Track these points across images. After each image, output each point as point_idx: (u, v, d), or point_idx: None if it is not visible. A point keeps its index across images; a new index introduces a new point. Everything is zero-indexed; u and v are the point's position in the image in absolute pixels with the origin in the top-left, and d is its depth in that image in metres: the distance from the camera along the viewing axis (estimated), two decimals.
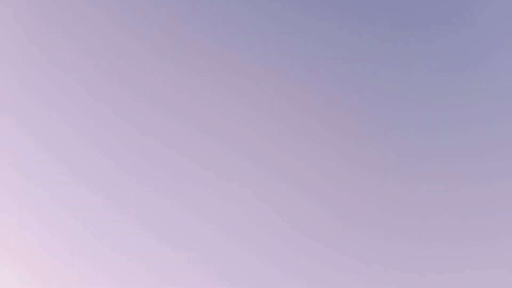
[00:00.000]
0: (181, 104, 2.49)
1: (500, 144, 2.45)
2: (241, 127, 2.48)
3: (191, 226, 2.42)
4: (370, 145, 2.47)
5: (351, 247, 2.41)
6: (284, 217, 2.43)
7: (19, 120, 2.46)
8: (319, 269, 2.40)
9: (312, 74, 2.50)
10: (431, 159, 2.46)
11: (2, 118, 2.45)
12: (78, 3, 2.51)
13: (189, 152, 2.47)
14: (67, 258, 2.40)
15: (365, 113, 2.48)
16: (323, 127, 2.48)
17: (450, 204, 2.43)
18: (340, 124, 2.48)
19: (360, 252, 2.41)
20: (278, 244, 2.42)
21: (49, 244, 2.40)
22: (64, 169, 2.44)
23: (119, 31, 2.51)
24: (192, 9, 2.52)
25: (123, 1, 2.52)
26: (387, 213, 2.43)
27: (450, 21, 2.51)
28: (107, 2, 2.52)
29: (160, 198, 2.44)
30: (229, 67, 2.51)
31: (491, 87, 2.49)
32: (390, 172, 2.45)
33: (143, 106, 2.48)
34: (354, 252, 2.41)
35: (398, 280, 2.39)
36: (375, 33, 2.52)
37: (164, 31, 2.51)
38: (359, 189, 2.44)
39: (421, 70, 2.50)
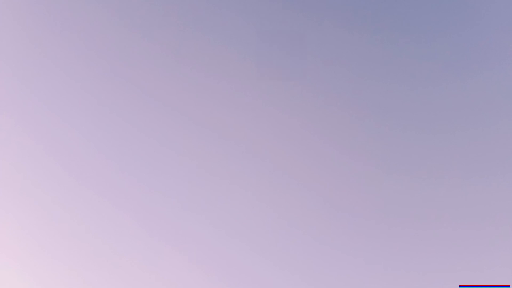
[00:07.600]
0: (181, 104, 2.49)
1: (500, 144, 2.45)
2: (241, 127, 2.48)
3: (191, 226, 2.43)
4: (370, 145, 2.47)
5: (351, 247, 2.41)
6: (284, 217, 2.44)
7: (19, 120, 2.46)
8: (319, 270, 2.41)
9: (312, 73, 2.51)
10: (431, 159, 2.46)
11: (2, 118, 2.45)
12: (78, 3, 2.52)
13: (189, 152, 2.47)
14: (67, 258, 2.40)
15: (366, 113, 2.48)
16: (323, 127, 2.48)
17: (451, 205, 2.43)
18: (340, 124, 2.48)
19: (360, 253, 2.41)
20: (278, 244, 2.42)
21: (49, 244, 2.40)
22: (64, 169, 2.44)
23: (119, 31, 2.51)
24: (192, 9, 2.52)
25: (123, 1, 2.52)
26: (387, 213, 2.43)
27: (450, 21, 2.52)
28: (107, 2, 2.52)
29: (160, 198, 2.44)
30: (228, 67, 2.51)
31: (491, 87, 2.49)
32: (390, 173, 2.45)
33: (143, 106, 2.49)
34: (354, 252, 2.41)
35: (398, 281, 2.39)
36: (375, 32, 2.53)
37: (163, 30, 2.52)
38: (359, 189, 2.45)
39: (421, 70, 2.51)
